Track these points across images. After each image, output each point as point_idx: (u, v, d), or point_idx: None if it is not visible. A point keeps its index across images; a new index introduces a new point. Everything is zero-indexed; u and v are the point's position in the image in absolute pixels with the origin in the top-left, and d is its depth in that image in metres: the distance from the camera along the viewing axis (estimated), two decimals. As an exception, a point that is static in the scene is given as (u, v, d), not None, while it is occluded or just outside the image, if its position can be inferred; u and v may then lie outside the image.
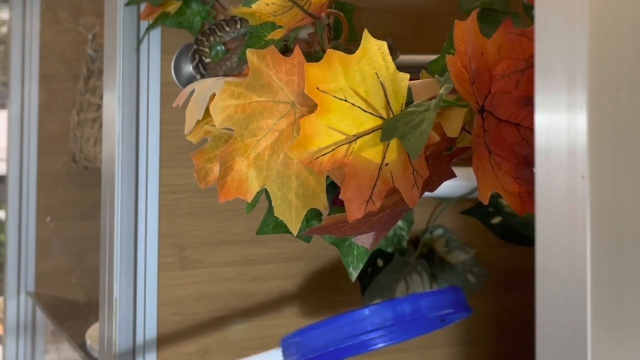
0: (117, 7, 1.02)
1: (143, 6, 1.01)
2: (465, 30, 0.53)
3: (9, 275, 1.80)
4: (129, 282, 1.02)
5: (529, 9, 0.69)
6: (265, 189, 0.66)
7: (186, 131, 0.73)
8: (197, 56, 0.94)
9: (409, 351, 1.15)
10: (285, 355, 0.81)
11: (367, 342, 0.76)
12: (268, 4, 0.73)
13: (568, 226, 0.37)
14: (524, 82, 0.48)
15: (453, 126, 0.56)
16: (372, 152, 0.58)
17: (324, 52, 0.61)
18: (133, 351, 1.01)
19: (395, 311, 0.75)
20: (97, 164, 1.50)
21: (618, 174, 0.37)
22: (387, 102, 0.58)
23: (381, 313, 0.74)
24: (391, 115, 0.58)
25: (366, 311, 0.74)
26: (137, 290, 1.02)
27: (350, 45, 0.80)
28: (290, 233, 0.66)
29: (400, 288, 1.08)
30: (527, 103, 0.49)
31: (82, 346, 1.38)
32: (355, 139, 0.58)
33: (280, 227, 0.89)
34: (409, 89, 0.59)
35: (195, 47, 0.95)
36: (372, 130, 0.58)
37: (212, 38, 0.95)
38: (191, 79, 1.02)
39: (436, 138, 0.56)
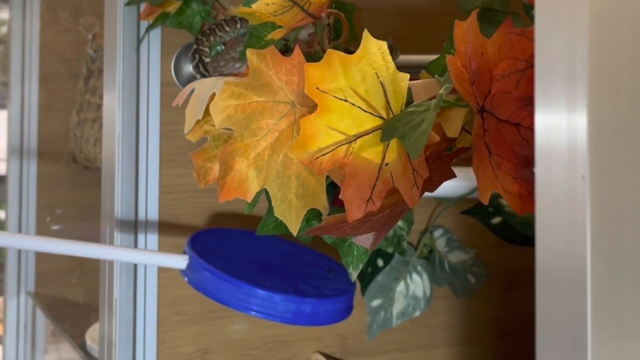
0: (117, 7, 1.02)
1: (143, 6, 1.01)
2: (465, 30, 0.53)
3: (9, 275, 1.80)
4: (129, 282, 1.02)
5: (529, 9, 0.69)
6: (265, 189, 0.66)
7: (186, 130, 0.73)
8: (197, 56, 0.94)
9: (409, 351, 1.15)
10: (187, 269, 0.90)
11: (252, 313, 0.87)
12: (268, 4, 0.73)
13: (568, 226, 0.37)
14: (524, 82, 0.48)
15: (453, 126, 0.56)
16: (372, 152, 0.58)
17: (324, 52, 0.61)
18: (133, 351, 1.01)
19: (298, 308, 0.87)
20: (97, 164, 1.50)
21: (618, 174, 0.37)
22: (387, 102, 0.58)
23: (285, 305, 0.86)
24: (391, 115, 0.58)
25: (275, 297, 0.86)
26: (137, 290, 1.02)
27: (350, 45, 0.80)
28: (290, 233, 0.66)
29: (400, 288, 1.08)
30: (527, 103, 0.49)
31: (82, 346, 1.38)
32: (355, 139, 0.58)
33: (280, 227, 0.89)
34: (409, 89, 0.59)
35: (195, 47, 0.95)
36: (372, 130, 0.58)
37: (212, 38, 0.95)
38: (191, 79, 1.02)
39: (436, 138, 0.56)
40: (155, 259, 0.92)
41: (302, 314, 0.87)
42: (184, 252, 0.92)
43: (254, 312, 0.86)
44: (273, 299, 0.86)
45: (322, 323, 0.89)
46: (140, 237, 1.02)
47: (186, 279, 0.91)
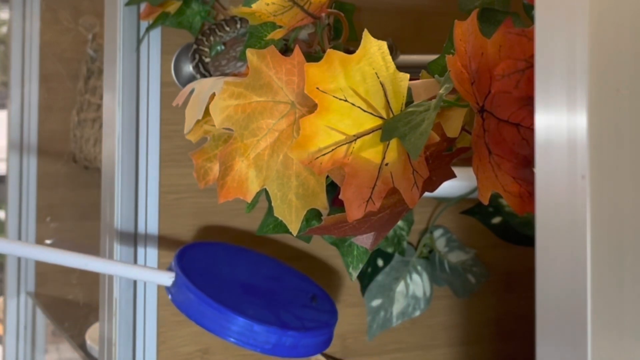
0: (117, 7, 1.02)
1: (143, 6, 1.01)
2: (465, 30, 0.53)
3: (9, 275, 1.80)
4: (129, 282, 1.02)
5: (529, 9, 0.69)
6: (265, 189, 0.66)
7: (186, 130, 0.73)
8: (197, 56, 0.94)
9: (409, 351, 1.15)
10: (172, 286, 0.89)
11: (231, 340, 0.86)
12: (268, 4, 0.73)
13: (568, 226, 0.37)
14: (524, 82, 0.48)
15: (453, 126, 0.56)
16: (372, 152, 0.58)
17: (324, 52, 0.61)
18: (133, 351, 1.01)
19: (279, 340, 0.86)
20: (97, 164, 1.50)
21: (618, 174, 0.37)
22: (387, 102, 0.58)
23: (266, 335, 0.86)
24: (391, 115, 0.58)
25: (255, 327, 0.85)
26: (137, 290, 1.02)
27: (350, 45, 0.80)
28: (290, 233, 0.66)
29: (400, 288, 1.08)
30: (527, 103, 0.49)
31: (82, 346, 1.38)
32: (355, 139, 0.58)
33: (280, 227, 0.89)
34: (409, 89, 0.59)
35: (195, 47, 0.95)
36: (372, 130, 0.58)
37: (212, 38, 0.95)
38: (191, 79, 1.02)
39: (436, 138, 0.56)
40: (141, 274, 0.91)
41: (283, 345, 0.86)
42: (170, 268, 0.92)
43: (233, 340, 0.85)
44: (254, 328, 0.85)
45: (301, 355, 0.88)
46: (140, 237, 1.02)
47: (170, 296, 0.90)
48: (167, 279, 0.89)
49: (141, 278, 0.94)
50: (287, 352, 0.86)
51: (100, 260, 0.90)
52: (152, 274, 0.91)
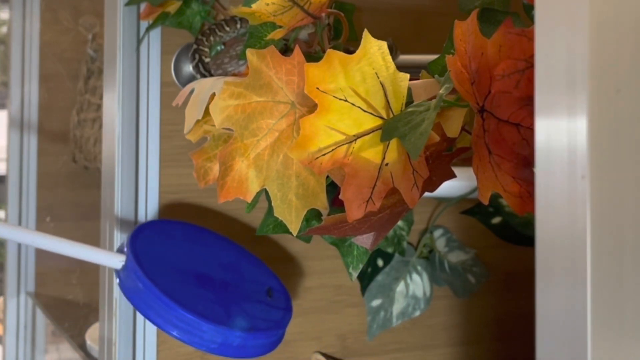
0: (117, 7, 1.02)
1: (143, 6, 1.01)
2: (465, 30, 0.53)
3: (9, 275, 1.80)
4: (129, 282, 1.02)
5: (529, 9, 0.69)
6: (265, 189, 0.66)
7: (186, 130, 0.73)
8: (197, 56, 0.94)
9: (409, 351, 1.15)
10: (121, 270, 0.85)
11: (174, 335, 0.83)
12: (268, 4, 0.73)
13: (568, 226, 0.37)
14: (524, 82, 0.48)
15: (453, 126, 0.56)
16: (372, 152, 0.58)
17: (324, 52, 0.61)
18: (133, 351, 1.01)
19: (226, 340, 0.83)
20: (97, 164, 1.50)
21: (618, 174, 0.37)
22: (387, 102, 0.58)
23: (213, 335, 0.82)
24: (391, 115, 0.58)
25: (203, 325, 0.82)
26: (137, 290, 1.02)
27: (350, 45, 0.80)
28: (290, 233, 0.66)
29: (400, 288, 1.08)
30: (527, 103, 0.49)
31: (82, 346, 1.38)
32: (355, 139, 0.58)
33: (280, 227, 0.89)
34: (409, 89, 0.59)
35: (195, 47, 0.95)
36: (372, 130, 0.58)
37: (212, 38, 0.95)
38: (191, 79, 1.02)
39: (436, 138, 0.56)
40: (90, 255, 0.85)
41: (230, 345, 0.83)
42: (121, 250, 0.86)
43: (177, 335, 0.82)
44: (201, 326, 0.82)
45: (249, 356, 0.85)
46: (140, 237, 1.02)
47: (118, 280, 0.86)
48: (117, 262, 0.85)
49: (89, 259, 0.86)
50: (234, 352, 0.83)
51: (48, 238, 0.84)
52: (102, 255, 0.86)
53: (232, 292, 0.91)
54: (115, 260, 0.85)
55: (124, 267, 0.85)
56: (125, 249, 0.87)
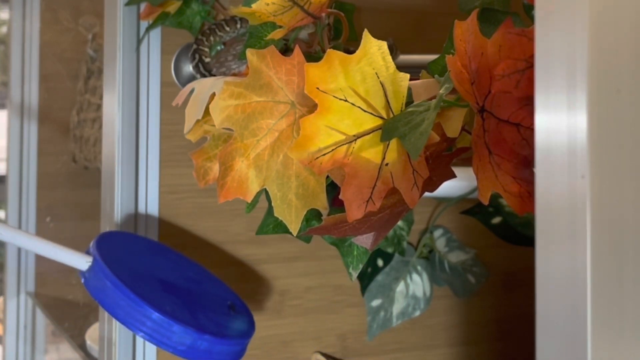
0: (117, 7, 1.02)
1: (143, 6, 1.01)
2: (465, 30, 0.53)
3: (9, 275, 1.80)
4: (129, 282, 1.02)
5: (529, 9, 0.69)
6: (265, 189, 0.66)
7: (186, 130, 0.73)
8: (197, 56, 0.94)
9: (409, 351, 1.15)
10: (87, 271, 0.85)
11: (142, 336, 0.82)
12: (268, 4, 0.73)
13: (568, 226, 0.37)
14: (524, 82, 0.48)
15: (453, 126, 0.56)
16: (372, 152, 0.58)
17: (324, 52, 0.61)
18: (133, 351, 1.01)
19: (194, 342, 0.82)
20: (97, 164, 1.50)
21: (618, 174, 0.37)
22: (387, 102, 0.58)
23: (182, 336, 0.81)
24: (391, 115, 0.58)
25: (173, 326, 0.81)
26: (137, 290, 1.02)
27: (350, 45, 0.80)
28: (290, 233, 0.66)
29: (400, 288, 1.08)
30: (527, 103, 0.49)
31: (82, 346, 1.38)
32: (355, 139, 0.58)
33: (280, 227, 0.89)
34: (409, 89, 0.59)
35: (195, 47, 0.95)
36: (372, 130, 0.58)
37: (212, 38, 0.95)
38: (191, 79, 1.02)
39: (436, 138, 0.56)
40: (57, 254, 0.85)
41: (197, 349, 0.81)
42: (88, 252, 0.86)
43: (145, 336, 0.80)
44: (172, 327, 0.80)
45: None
46: (140, 237, 1.02)
47: (83, 280, 0.85)
48: (84, 262, 0.84)
49: (56, 258, 0.85)
50: (199, 356, 0.82)
51: (15, 232, 0.84)
52: (68, 255, 0.85)
53: (197, 301, 0.90)
54: (81, 261, 0.85)
55: (91, 267, 0.84)
56: (91, 251, 0.86)
